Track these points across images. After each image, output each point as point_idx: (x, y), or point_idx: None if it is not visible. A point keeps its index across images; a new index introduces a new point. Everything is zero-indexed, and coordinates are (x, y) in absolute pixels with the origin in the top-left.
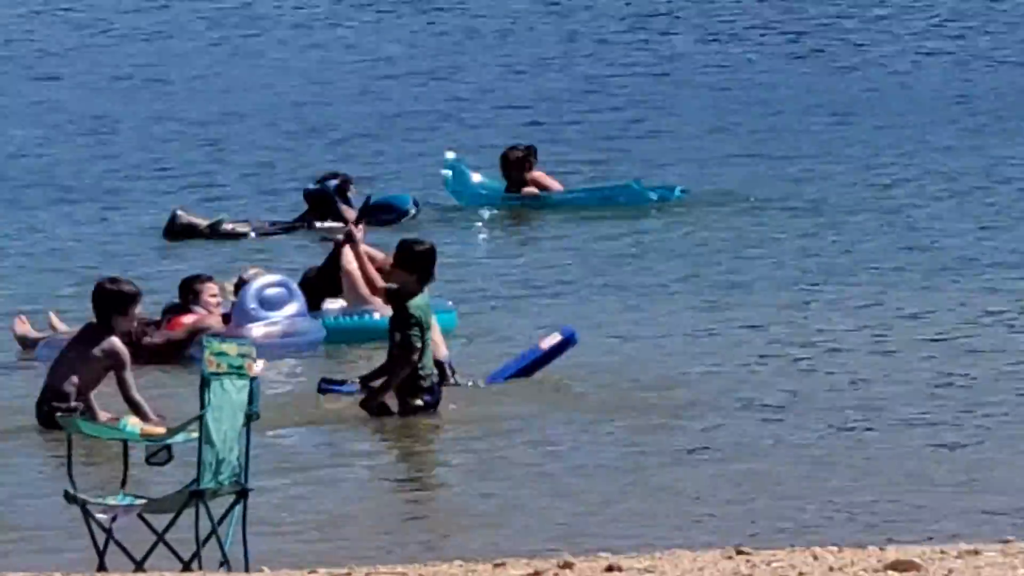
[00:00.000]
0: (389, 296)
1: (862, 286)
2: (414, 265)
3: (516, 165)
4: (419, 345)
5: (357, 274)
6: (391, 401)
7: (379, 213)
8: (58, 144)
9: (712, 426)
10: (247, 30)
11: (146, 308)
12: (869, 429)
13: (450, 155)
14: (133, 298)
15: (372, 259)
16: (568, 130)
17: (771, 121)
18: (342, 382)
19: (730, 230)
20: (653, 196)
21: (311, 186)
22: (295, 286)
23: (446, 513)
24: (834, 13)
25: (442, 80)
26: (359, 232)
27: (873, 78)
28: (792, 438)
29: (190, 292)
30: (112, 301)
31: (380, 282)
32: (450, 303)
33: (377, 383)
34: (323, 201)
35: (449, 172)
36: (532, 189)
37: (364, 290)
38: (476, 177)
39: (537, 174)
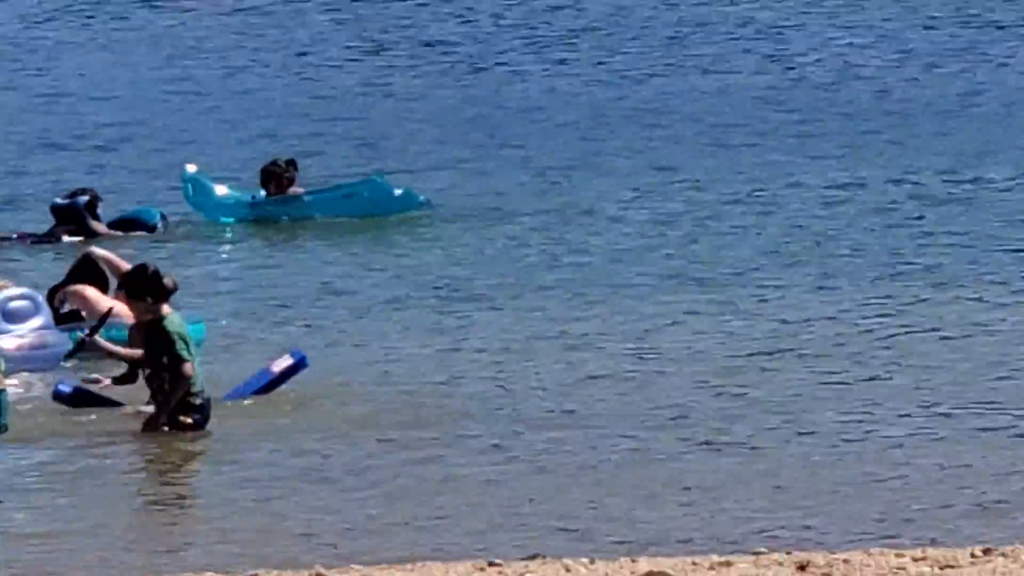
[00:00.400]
0: (147, 336)
1: (617, 297)
2: (144, 291)
3: (275, 179)
4: (189, 358)
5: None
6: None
7: (127, 228)
8: None
9: (462, 439)
10: None
11: None
12: (617, 435)
13: (190, 168)
14: None
15: (118, 268)
16: (314, 144)
17: (520, 132)
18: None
19: (475, 241)
20: (397, 192)
21: (60, 200)
22: (41, 299)
23: (201, 526)
24: (586, 21)
25: (190, 92)
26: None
27: (620, 87)
28: (545, 449)
29: None
30: None
31: (134, 353)
32: (198, 314)
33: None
34: (73, 216)
35: (189, 185)
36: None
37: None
38: (220, 190)
39: (297, 189)
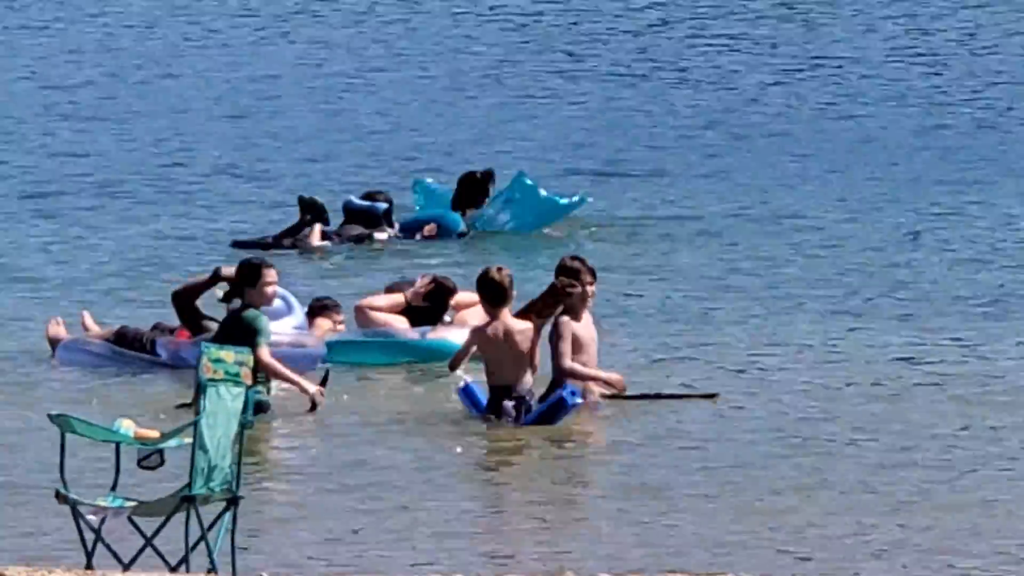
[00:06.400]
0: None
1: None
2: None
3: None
4: None
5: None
6: None
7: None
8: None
9: None
10: None
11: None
12: None
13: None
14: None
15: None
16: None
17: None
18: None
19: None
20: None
21: (357, 201)
22: (293, 299)
23: None
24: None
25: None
26: None
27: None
28: None
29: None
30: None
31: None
32: None
33: None
34: (366, 220)
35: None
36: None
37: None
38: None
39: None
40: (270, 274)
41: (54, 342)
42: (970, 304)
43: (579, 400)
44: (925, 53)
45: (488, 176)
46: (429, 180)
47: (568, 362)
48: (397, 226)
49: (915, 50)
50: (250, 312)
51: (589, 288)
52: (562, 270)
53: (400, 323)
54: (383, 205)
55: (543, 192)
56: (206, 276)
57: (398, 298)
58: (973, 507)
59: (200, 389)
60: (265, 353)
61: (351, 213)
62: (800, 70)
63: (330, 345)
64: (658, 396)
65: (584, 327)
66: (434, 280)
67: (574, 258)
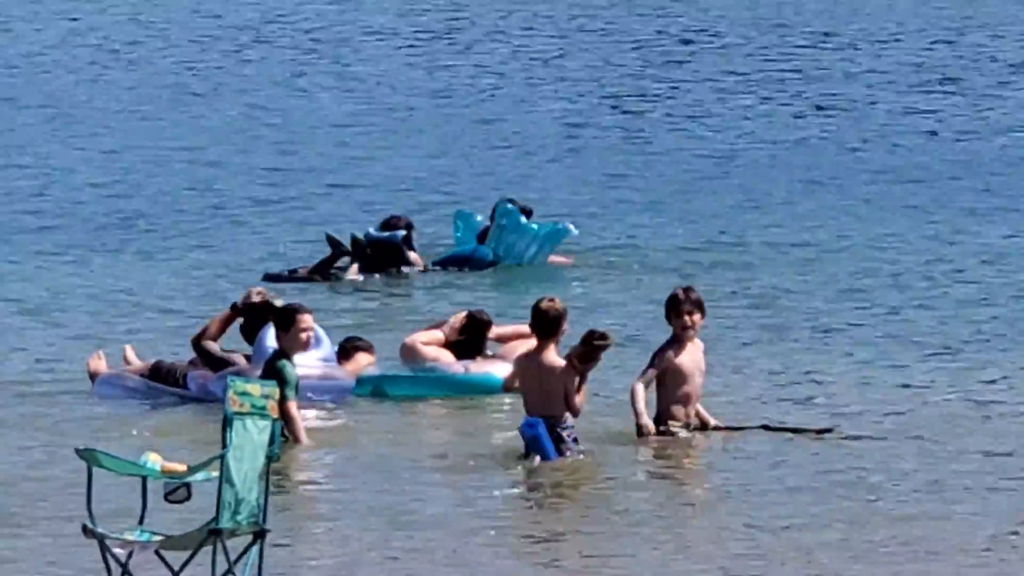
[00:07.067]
0: None
1: None
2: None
3: None
4: None
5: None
6: None
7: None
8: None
9: None
10: None
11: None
12: None
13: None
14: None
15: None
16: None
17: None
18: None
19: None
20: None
21: (375, 233)
22: (322, 332)
23: None
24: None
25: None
26: None
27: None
28: None
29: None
30: None
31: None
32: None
33: None
34: (390, 250)
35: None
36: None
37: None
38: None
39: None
40: (305, 320)
41: (94, 376)
42: None
43: (537, 430)
44: (956, 77)
45: (523, 211)
46: (469, 211)
47: (639, 385)
48: (418, 257)
49: (946, 73)
50: (280, 362)
51: (688, 319)
52: (668, 300)
53: (447, 357)
54: (401, 232)
55: (523, 219)
56: (224, 313)
57: (437, 334)
58: None
59: (227, 422)
60: (292, 407)
61: (373, 246)
62: (832, 105)
63: (369, 380)
64: (764, 428)
65: (688, 358)
66: (469, 314)
67: (683, 289)
